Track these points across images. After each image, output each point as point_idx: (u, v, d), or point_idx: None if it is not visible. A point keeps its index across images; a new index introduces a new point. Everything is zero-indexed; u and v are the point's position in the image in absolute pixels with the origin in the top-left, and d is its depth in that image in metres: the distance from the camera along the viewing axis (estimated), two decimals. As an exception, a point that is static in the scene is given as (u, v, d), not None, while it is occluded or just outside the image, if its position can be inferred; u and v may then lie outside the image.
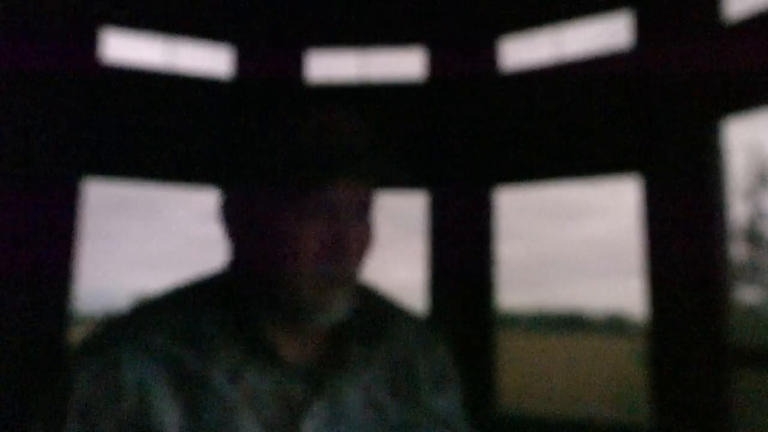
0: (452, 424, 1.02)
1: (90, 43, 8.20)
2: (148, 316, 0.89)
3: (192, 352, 0.86)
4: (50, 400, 0.83)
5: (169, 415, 0.82)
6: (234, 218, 0.91)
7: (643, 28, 7.71)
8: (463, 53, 8.69)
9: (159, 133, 8.03)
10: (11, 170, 7.57)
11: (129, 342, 0.85)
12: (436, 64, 8.82)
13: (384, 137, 8.64)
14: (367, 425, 0.92)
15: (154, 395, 0.83)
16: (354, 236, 0.86)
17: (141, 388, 0.83)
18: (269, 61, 8.73)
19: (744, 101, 6.97)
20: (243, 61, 8.73)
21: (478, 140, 8.48)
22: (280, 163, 0.85)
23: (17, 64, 7.71)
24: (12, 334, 7.23)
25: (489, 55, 8.67)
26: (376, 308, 1.01)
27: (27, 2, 7.81)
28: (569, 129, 8.00)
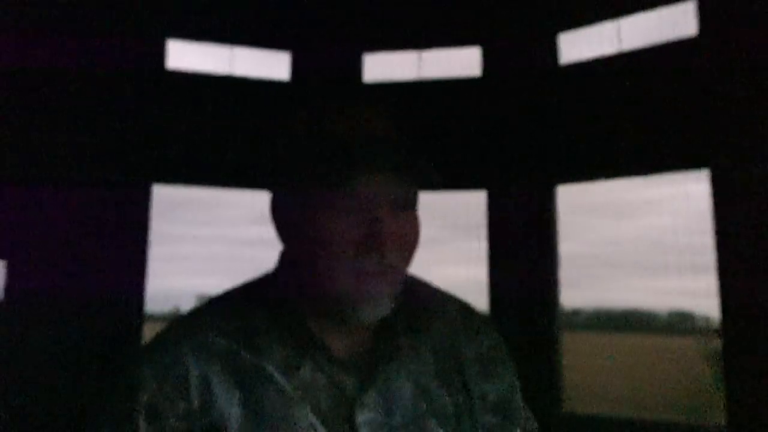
0: (504, 408, 1.02)
1: (158, 55, 8.47)
2: (205, 317, 0.93)
3: (247, 349, 0.90)
4: (119, 399, 0.87)
5: (230, 407, 0.86)
6: (280, 217, 0.94)
7: (706, 16, 7.46)
8: (520, 50, 8.58)
9: (223, 137, 8.22)
10: (84, 177, 7.89)
11: (190, 341, 0.89)
12: (491, 61, 8.75)
13: (440, 135, 8.63)
14: (418, 414, 0.93)
15: (216, 389, 0.86)
16: (391, 231, 0.87)
17: (204, 383, 0.87)
18: (326, 65, 8.83)
19: (820, 89, 6.65)
20: (300, 66, 8.85)
21: (538, 137, 8.36)
22: (311, 159, 0.88)
23: (90, 76, 8.02)
24: (91, 334, 7.55)
25: (546, 51, 8.54)
26: (420, 298, 1.03)
27: (96, 20, 8.12)
28: (632, 123, 7.80)
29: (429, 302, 1.03)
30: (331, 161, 0.86)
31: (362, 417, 0.89)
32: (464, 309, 1.07)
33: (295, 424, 0.86)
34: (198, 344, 0.89)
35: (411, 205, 0.92)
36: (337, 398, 0.90)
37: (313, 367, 0.90)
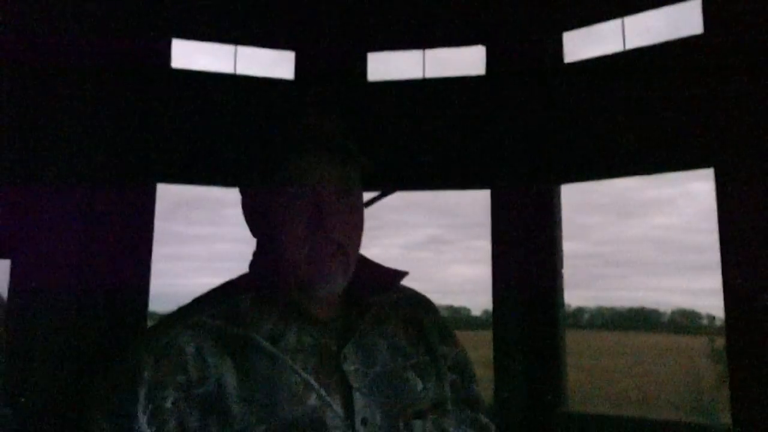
0: (461, 368, 1.19)
1: (163, 53, 8.49)
2: (196, 305, 1.05)
3: (235, 324, 1.00)
4: (119, 380, 0.96)
5: (225, 375, 0.95)
6: (249, 214, 1.09)
7: (711, 14, 7.43)
8: (524, 48, 8.57)
9: (228, 136, 8.23)
10: (89, 175, 7.91)
11: (182, 323, 1.00)
12: (496, 60, 8.74)
13: (444, 134, 8.62)
14: (396, 366, 1.07)
15: (210, 360, 0.96)
16: (335, 212, 1.00)
17: (199, 356, 0.96)
18: (330, 64, 8.83)
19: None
20: (304, 65, 8.87)
21: (542, 136, 8.35)
22: (261, 154, 1.03)
23: (95, 74, 8.04)
24: (95, 333, 7.58)
25: (551, 49, 8.52)
26: (377, 270, 1.14)
27: (102, 19, 8.14)
28: (637, 121, 7.79)
29: (384, 273, 1.14)
30: (275, 152, 1.00)
31: (348, 367, 1.01)
32: (414, 291, 1.24)
33: (287, 382, 0.96)
34: (190, 325, 0.99)
35: (352, 189, 1.04)
36: (322, 356, 1.01)
37: (297, 332, 1.01)
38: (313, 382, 0.97)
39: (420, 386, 1.07)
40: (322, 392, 0.97)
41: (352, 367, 1.01)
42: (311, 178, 1.00)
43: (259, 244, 1.12)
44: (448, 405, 1.12)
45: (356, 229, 1.05)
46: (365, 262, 1.15)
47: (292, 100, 1.09)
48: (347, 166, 1.03)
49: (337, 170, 1.02)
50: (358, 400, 0.98)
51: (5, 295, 7.53)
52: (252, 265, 1.11)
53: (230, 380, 0.95)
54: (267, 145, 1.03)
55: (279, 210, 1.00)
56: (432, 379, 1.11)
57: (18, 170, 7.52)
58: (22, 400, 7.02)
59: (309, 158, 1.00)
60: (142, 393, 0.93)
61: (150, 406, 0.92)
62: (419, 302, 1.21)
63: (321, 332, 1.02)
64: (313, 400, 0.96)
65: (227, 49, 8.84)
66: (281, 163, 1.00)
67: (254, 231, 1.09)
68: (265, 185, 1.03)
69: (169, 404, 0.93)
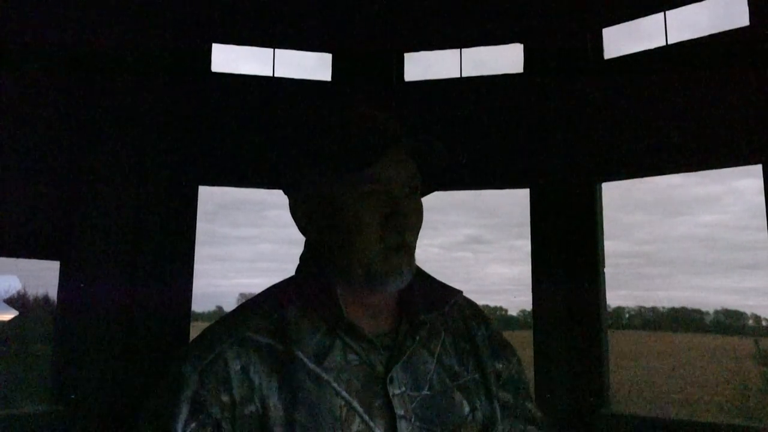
0: (514, 386, 1.14)
1: (204, 58, 8.63)
2: (242, 316, 1.02)
3: (280, 341, 0.98)
4: (164, 394, 0.96)
5: (270, 395, 0.94)
6: (306, 213, 1.05)
7: (758, 5, 7.23)
8: (563, 45, 8.46)
9: (269, 138, 8.31)
10: (134, 178, 8.08)
11: (228, 339, 0.98)
12: (534, 57, 8.65)
13: (483, 133, 8.57)
14: (444, 387, 1.04)
15: (255, 380, 0.95)
16: (408, 209, 1.00)
17: (244, 375, 0.95)
18: (367, 65, 8.86)
19: None
20: (342, 67, 8.92)
21: (582, 133, 8.23)
22: (338, 150, 1.00)
23: (140, 78, 8.21)
24: (143, 334, 7.75)
25: (590, 46, 8.40)
26: (431, 285, 1.11)
27: (143, 32, 8.31)
28: (680, 117, 7.62)
29: (439, 290, 1.11)
30: (356, 149, 0.98)
31: (394, 390, 0.98)
32: (467, 299, 1.19)
33: (330, 403, 0.94)
34: (236, 341, 0.97)
35: (418, 188, 1.04)
36: (368, 375, 0.98)
37: (344, 348, 0.99)
38: (356, 405, 0.96)
39: (467, 409, 1.04)
40: (366, 417, 0.96)
41: (398, 391, 0.99)
42: (390, 175, 0.99)
43: (308, 247, 1.09)
44: (498, 427, 1.08)
45: (419, 228, 1.05)
46: (421, 275, 1.13)
47: (345, 103, 1.08)
48: (414, 165, 1.04)
49: (408, 169, 1.02)
50: (403, 427, 0.97)
51: (55, 295, 7.76)
52: (299, 269, 1.09)
53: (274, 401, 0.94)
54: (335, 147, 1.01)
55: (351, 209, 0.99)
56: (481, 399, 1.07)
57: (65, 173, 7.73)
58: (73, 397, 7.22)
59: (385, 159, 0.99)
60: (185, 410, 0.92)
61: (193, 424, 0.91)
62: (472, 314, 1.17)
63: (368, 349, 1.00)
64: (356, 425, 0.94)
65: (266, 52, 8.95)
66: (355, 163, 0.98)
67: (313, 230, 1.06)
68: (336, 182, 1.01)
69: (211, 423, 0.92)
